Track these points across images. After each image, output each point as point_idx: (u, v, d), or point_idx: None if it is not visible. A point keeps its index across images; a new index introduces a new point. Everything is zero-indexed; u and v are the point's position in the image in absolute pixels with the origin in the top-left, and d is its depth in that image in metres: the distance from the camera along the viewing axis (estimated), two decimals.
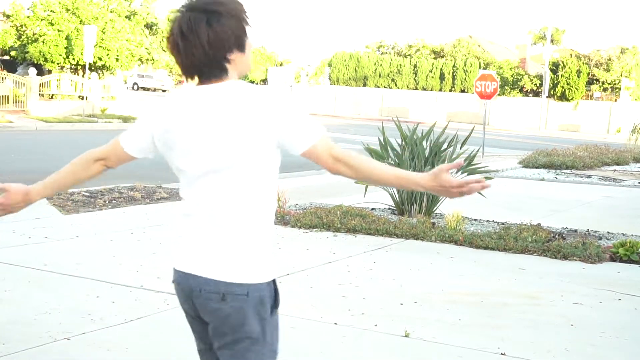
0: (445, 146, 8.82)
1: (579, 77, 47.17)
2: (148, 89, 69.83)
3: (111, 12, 34.18)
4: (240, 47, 2.12)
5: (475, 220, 8.59)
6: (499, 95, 44.54)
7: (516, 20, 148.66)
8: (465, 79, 50.27)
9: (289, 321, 4.54)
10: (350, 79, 53.60)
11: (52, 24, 31.77)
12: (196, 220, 2.18)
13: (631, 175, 15.63)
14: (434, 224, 7.93)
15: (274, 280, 2.17)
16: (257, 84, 78.59)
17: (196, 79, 2.14)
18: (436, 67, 51.53)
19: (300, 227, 7.67)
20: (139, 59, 35.69)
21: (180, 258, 2.20)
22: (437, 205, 8.68)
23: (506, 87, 48.93)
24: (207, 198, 2.14)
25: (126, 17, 35.61)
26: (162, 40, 40.51)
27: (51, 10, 32.15)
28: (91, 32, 27.38)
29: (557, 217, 9.28)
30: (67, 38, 31.57)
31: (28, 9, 32.92)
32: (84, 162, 2.37)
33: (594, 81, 49.71)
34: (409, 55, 56.65)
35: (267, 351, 2.15)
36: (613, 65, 48.87)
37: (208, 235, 2.14)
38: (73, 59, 31.72)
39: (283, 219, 7.98)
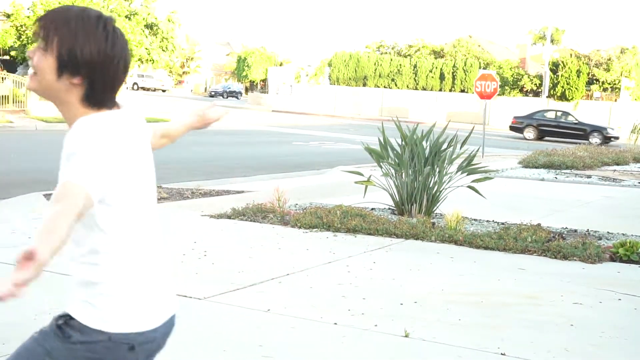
0: (445, 146, 8.82)
1: (579, 77, 47.19)
2: (148, 89, 69.85)
3: (111, 12, 34.17)
4: None
5: (475, 220, 8.59)
6: (499, 95, 44.51)
7: (516, 20, 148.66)
8: (465, 79, 50.27)
9: (289, 321, 4.54)
10: (350, 79, 53.61)
11: None
12: (152, 255, 1.99)
13: (631, 175, 15.63)
14: (434, 224, 7.93)
15: None
16: (257, 83, 78.62)
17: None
18: (436, 67, 51.54)
19: (300, 227, 7.67)
20: (139, 59, 35.68)
21: (157, 307, 1.99)
22: (437, 205, 8.68)
23: (506, 87, 48.93)
24: (154, 228, 2.02)
25: (126, 17, 35.60)
26: (162, 41, 40.51)
27: None
28: None
29: (557, 217, 9.27)
30: None
31: (28, 8, 32.92)
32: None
33: (594, 81, 49.73)
34: (409, 55, 56.67)
35: None
36: (613, 65, 48.89)
37: (165, 268, 2.06)
38: None
39: (283, 219, 7.99)
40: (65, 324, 1.91)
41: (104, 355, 1.88)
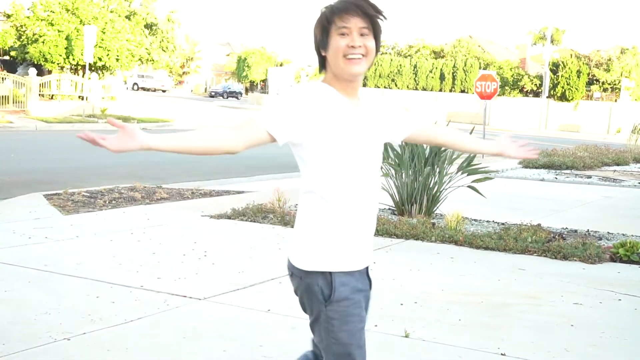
0: None
1: (579, 78, 47.19)
2: (148, 89, 69.83)
3: (111, 12, 34.19)
4: (323, 47, 2.32)
5: (475, 220, 8.59)
6: (499, 95, 44.54)
7: (516, 20, 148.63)
8: (465, 79, 50.28)
9: (289, 321, 4.54)
10: None
11: (52, 24, 31.77)
12: None
13: (631, 176, 15.63)
14: (434, 224, 7.93)
15: (330, 274, 2.34)
16: (257, 84, 78.62)
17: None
18: (436, 68, 51.55)
19: None
20: (139, 59, 35.70)
21: None
22: (438, 205, 8.68)
23: (506, 87, 48.95)
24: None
25: (126, 17, 35.63)
26: (162, 41, 40.51)
27: (51, 11, 32.16)
28: (91, 32, 27.39)
29: (557, 217, 9.27)
30: (67, 38, 31.58)
31: (28, 9, 32.93)
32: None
33: (594, 81, 49.73)
34: (409, 55, 56.67)
35: (326, 334, 2.40)
36: (613, 66, 48.88)
37: None
38: (73, 59, 31.73)
39: (283, 219, 7.99)
40: None
41: None
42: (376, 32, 2.28)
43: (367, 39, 2.26)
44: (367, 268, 2.49)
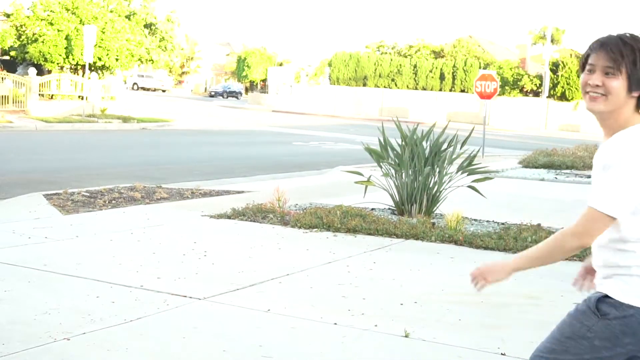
0: (445, 146, 8.82)
1: (579, 77, 47.17)
2: (148, 89, 69.86)
3: (111, 12, 34.18)
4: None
5: (475, 220, 8.58)
6: (499, 95, 44.51)
7: (516, 20, 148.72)
8: (465, 79, 50.27)
9: (289, 321, 4.54)
10: (350, 79, 53.59)
11: (52, 24, 31.77)
12: None
13: None
14: (434, 224, 7.93)
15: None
16: (257, 83, 78.62)
17: None
18: (436, 67, 51.53)
19: (300, 227, 7.67)
20: (139, 59, 35.68)
21: None
22: (437, 205, 8.68)
23: (506, 87, 48.93)
24: None
25: (126, 17, 35.60)
26: (162, 40, 40.50)
27: (51, 10, 32.15)
28: (91, 32, 27.38)
29: (557, 217, 9.26)
30: (67, 38, 31.58)
31: (28, 8, 32.92)
32: (560, 240, 2.33)
33: None
34: (409, 55, 56.68)
35: None
36: None
37: None
38: (73, 59, 31.73)
39: (283, 219, 7.99)
40: (600, 302, 2.24)
41: (637, 329, 2.18)
42: (630, 71, 2.20)
43: (611, 78, 2.23)
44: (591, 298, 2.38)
